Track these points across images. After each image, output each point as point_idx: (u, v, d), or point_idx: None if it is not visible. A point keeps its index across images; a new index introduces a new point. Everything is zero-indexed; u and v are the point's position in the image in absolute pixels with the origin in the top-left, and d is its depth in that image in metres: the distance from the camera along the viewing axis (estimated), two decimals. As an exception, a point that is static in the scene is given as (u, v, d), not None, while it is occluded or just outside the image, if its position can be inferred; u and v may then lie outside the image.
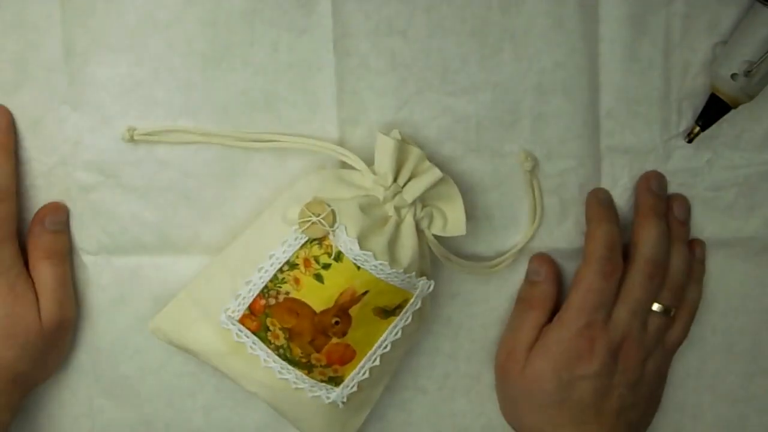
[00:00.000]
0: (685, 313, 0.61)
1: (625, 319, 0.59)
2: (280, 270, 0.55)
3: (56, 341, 0.60)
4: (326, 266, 0.55)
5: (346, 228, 0.54)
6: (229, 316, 0.56)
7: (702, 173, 0.62)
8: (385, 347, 0.57)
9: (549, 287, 0.61)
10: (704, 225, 0.62)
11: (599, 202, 0.60)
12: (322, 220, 0.55)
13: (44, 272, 0.59)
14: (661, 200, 0.61)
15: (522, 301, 0.62)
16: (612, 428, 0.59)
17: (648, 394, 0.60)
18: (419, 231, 0.58)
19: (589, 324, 0.58)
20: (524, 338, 0.60)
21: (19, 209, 0.60)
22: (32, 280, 0.59)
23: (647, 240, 0.59)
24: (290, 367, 0.56)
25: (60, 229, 0.60)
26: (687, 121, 0.61)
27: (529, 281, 0.62)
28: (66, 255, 0.60)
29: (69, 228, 0.61)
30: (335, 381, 0.57)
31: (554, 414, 0.58)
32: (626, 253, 0.60)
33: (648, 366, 0.60)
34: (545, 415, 0.59)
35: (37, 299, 0.59)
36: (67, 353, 0.62)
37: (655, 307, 0.59)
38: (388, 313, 0.57)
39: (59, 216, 0.60)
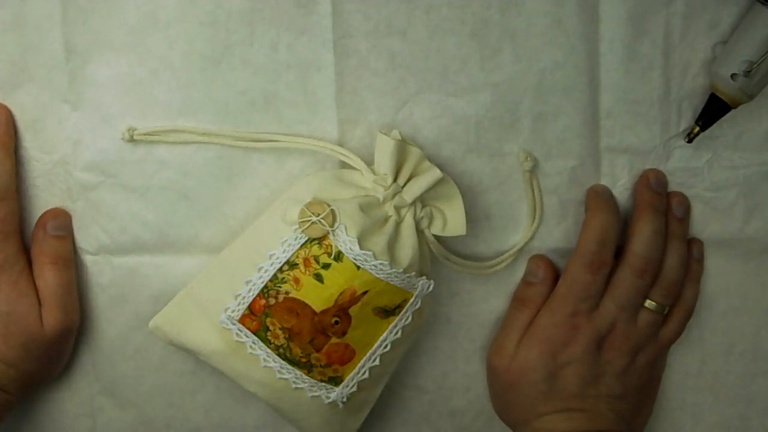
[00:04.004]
0: (680, 311, 0.61)
1: (611, 311, 0.59)
2: (280, 270, 0.55)
3: (61, 346, 0.60)
4: (326, 266, 0.55)
5: (346, 228, 0.54)
6: (229, 315, 0.56)
7: (702, 173, 0.62)
8: (385, 347, 0.57)
9: (545, 289, 0.61)
10: (704, 225, 0.62)
11: (597, 194, 0.61)
12: (322, 220, 0.55)
13: (49, 278, 0.59)
14: (659, 197, 0.61)
15: (516, 300, 0.62)
16: (599, 415, 0.59)
17: (638, 386, 0.60)
18: (419, 231, 0.58)
19: (574, 313, 0.59)
20: (514, 335, 0.60)
21: (19, 208, 0.60)
22: (34, 282, 0.59)
23: (640, 236, 0.59)
24: (290, 366, 0.56)
25: (63, 234, 0.60)
26: (687, 121, 0.61)
27: (525, 282, 0.62)
28: (70, 260, 0.60)
29: (72, 233, 0.61)
30: (335, 381, 0.57)
31: (540, 405, 0.59)
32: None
33: (638, 359, 0.60)
34: (532, 407, 0.59)
35: (40, 303, 0.59)
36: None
37: (648, 303, 0.60)
38: (388, 312, 0.57)
39: (61, 221, 0.60)
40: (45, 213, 0.60)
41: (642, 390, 0.61)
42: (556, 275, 0.61)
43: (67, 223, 0.61)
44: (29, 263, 0.60)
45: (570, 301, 0.59)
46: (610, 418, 0.59)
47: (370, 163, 0.58)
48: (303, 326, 0.55)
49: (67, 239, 0.60)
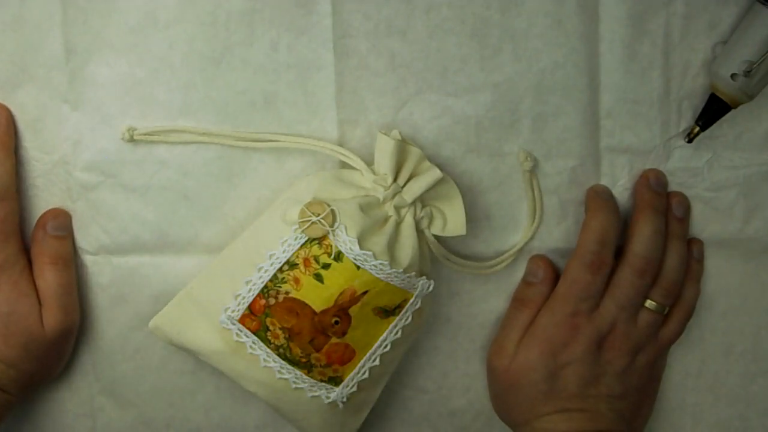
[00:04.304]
0: (680, 311, 0.61)
1: (612, 311, 0.59)
2: (280, 270, 0.55)
3: (61, 346, 0.60)
4: (326, 266, 0.55)
5: (346, 228, 0.54)
6: (229, 315, 0.56)
7: (702, 173, 0.62)
8: (385, 347, 0.57)
9: (545, 289, 0.61)
10: (704, 225, 0.62)
11: (597, 194, 0.61)
12: (322, 220, 0.55)
13: (50, 278, 0.59)
14: (659, 197, 0.61)
15: (516, 300, 0.62)
16: (599, 415, 0.59)
17: (639, 385, 0.60)
18: (419, 231, 0.58)
19: (575, 313, 0.59)
20: (514, 335, 0.60)
21: (19, 208, 0.60)
22: (34, 282, 0.59)
23: (640, 236, 0.59)
24: (290, 366, 0.56)
25: (63, 234, 0.60)
26: (687, 121, 0.61)
27: (525, 282, 0.62)
28: (70, 260, 0.60)
29: (72, 233, 0.61)
30: (335, 381, 0.57)
31: (541, 405, 0.59)
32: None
33: (639, 359, 0.60)
34: (532, 407, 0.59)
35: (40, 303, 0.59)
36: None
37: (648, 304, 0.60)
38: (388, 312, 0.57)
39: (61, 221, 0.60)
40: (45, 213, 0.60)
41: (642, 390, 0.61)
42: (556, 275, 0.61)
43: (67, 223, 0.60)
44: (29, 263, 0.60)
45: (570, 301, 0.59)
46: (610, 417, 0.59)
47: (370, 163, 0.58)
48: (303, 326, 0.55)
49: (67, 239, 0.60)
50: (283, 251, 0.55)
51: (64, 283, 0.59)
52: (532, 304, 0.61)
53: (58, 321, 0.59)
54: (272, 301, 0.55)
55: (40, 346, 0.58)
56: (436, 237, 0.58)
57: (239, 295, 0.56)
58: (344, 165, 0.59)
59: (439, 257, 0.60)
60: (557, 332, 0.59)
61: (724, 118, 0.60)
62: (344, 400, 0.57)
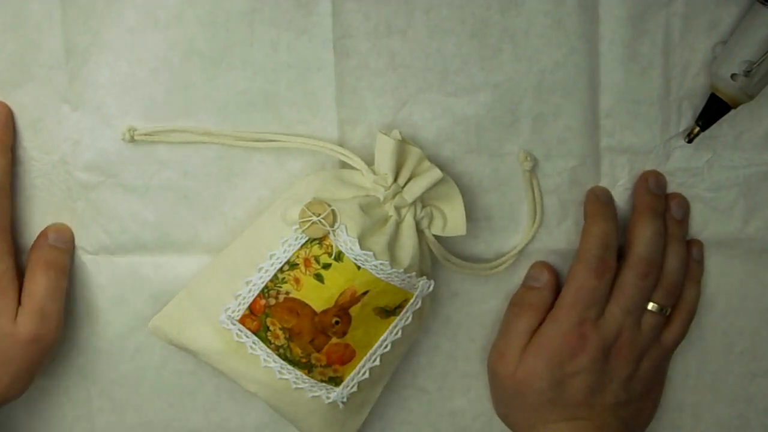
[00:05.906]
0: (682, 313, 0.61)
1: (617, 316, 0.59)
2: (281, 270, 0.55)
3: (32, 354, 0.58)
4: (326, 266, 0.55)
5: (346, 228, 0.54)
6: (229, 315, 0.56)
7: (702, 173, 0.62)
8: (386, 347, 0.57)
9: (547, 293, 0.61)
10: (704, 225, 0.62)
11: (597, 198, 0.61)
12: (322, 220, 0.55)
13: (39, 281, 0.58)
14: (658, 199, 0.61)
15: (515, 305, 0.61)
16: (605, 424, 0.59)
17: (644, 391, 0.60)
18: (419, 231, 0.58)
19: (581, 321, 0.58)
20: (517, 341, 0.60)
21: (16, 208, 0.60)
22: (20, 284, 0.58)
23: (641, 238, 0.59)
24: (290, 366, 0.56)
25: (63, 246, 0.60)
26: (687, 121, 0.61)
27: (526, 286, 0.62)
28: (64, 272, 0.60)
29: (72, 249, 0.61)
30: (335, 381, 0.57)
31: (547, 412, 0.59)
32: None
33: (643, 364, 0.60)
34: (538, 414, 0.59)
35: (20, 303, 0.58)
36: (62, 358, 0.62)
37: (650, 306, 0.60)
38: (388, 312, 0.57)
39: (63, 235, 0.60)
40: (48, 226, 0.60)
41: (646, 395, 0.61)
42: (558, 281, 0.61)
43: (68, 237, 0.60)
44: (15, 266, 0.58)
45: (577, 309, 0.58)
46: (616, 425, 0.59)
47: (370, 163, 0.58)
48: (303, 326, 0.55)
49: (66, 252, 0.60)
50: (284, 251, 0.55)
51: (51, 289, 0.58)
52: (533, 308, 0.60)
53: (34, 323, 0.57)
54: (272, 301, 0.55)
55: (8, 346, 0.57)
56: (437, 237, 0.58)
57: (239, 295, 0.56)
58: (344, 165, 0.59)
59: (439, 258, 0.60)
60: (564, 342, 0.58)
61: (724, 118, 0.60)
62: (344, 400, 0.57)
